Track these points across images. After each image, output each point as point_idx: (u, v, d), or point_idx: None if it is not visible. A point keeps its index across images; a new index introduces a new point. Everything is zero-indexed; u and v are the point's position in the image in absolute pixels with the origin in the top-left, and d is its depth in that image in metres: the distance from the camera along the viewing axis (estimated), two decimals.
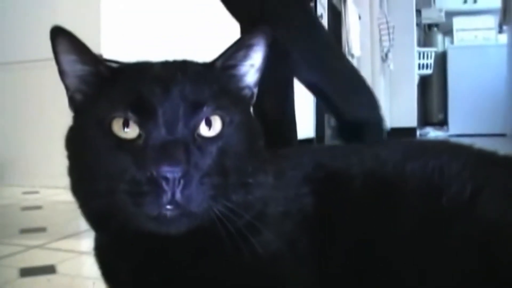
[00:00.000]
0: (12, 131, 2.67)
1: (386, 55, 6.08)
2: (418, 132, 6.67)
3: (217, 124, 0.62)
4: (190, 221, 0.59)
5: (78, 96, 0.68)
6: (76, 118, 0.69)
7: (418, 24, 7.33)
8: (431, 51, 7.24)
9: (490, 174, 0.74)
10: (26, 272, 1.13)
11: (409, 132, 6.20)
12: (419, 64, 7.06)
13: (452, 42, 7.87)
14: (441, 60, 7.53)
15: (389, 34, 6.00)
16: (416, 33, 6.96)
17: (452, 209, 0.70)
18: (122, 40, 2.44)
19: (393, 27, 6.02)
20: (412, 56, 6.82)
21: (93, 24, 2.37)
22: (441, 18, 7.66)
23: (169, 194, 0.55)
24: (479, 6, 7.65)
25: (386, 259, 0.69)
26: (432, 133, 7.01)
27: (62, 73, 0.68)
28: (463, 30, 7.74)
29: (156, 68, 0.67)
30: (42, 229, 1.59)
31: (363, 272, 0.69)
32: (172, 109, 0.59)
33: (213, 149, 0.61)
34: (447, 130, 7.26)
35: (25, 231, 1.57)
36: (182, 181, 0.55)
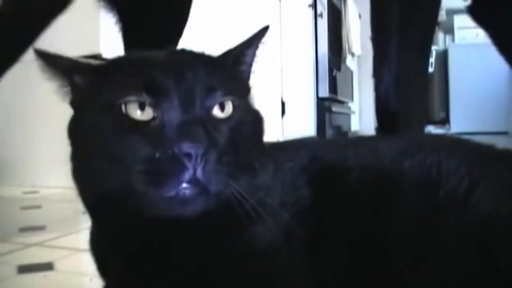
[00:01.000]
0: (12, 131, 2.67)
1: None
2: None
3: (229, 107, 0.63)
4: (206, 201, 0.59)
5: (76, 96, 0.68)
6: (77, 111, 0.68)
7: None
8: (432, 49, 7.22)
9: (487, 168, 0.73)
10: (24, 269, 1.13)
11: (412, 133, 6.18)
12: None
13: (453, 40, 7.85)
14: (442, 58, 7.51)
15: None
16: None
17: (448, 203, 0.70)
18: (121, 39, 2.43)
19: None
20: None
21: (92, 22, 2.37)
22: (442, 16, 7.63)
23: (191, 171, 0.55)
24: None
25: (381, 252, 0.69)
26: (434, 132, 7.00)
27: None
28: (464, 28, 7.72)
29: (164, 55, 0.68)
30: (41, 228, 1.58)
31: (358, 264, 0.69)
32: (187, 91, 0.60)
33: (226, 129, 0.62)
34: (449, 128, 7.25)
35: (24, 229, 1.57)
36: (203, 158, 0.56)
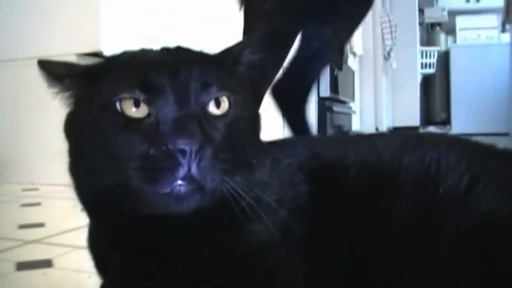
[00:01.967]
0: (11, 128, 2.67)
1: (389, 53, 6.07)
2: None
3: (225, 104, 0.63)
4: (201, 197, 0.58)
5: (71, 96, 0.68)
6: (74, 108, 0.68)
7: (420, 23, 7.32)
8: (434, 50, 7.22)
9: (487, 166, 0.73)
10: (23, 266, 1.13)
11: (411, 131, 6.20)
12: (421, 63, 7.04)
13: (455, 41, 7.86)
14: (444, 59, 7.51)
15: (391, 32, 5.99)
16: (418, 32, 6.95)
17: (448, 201, 0.69)
18: (121, 36, 2.43)
19: (396, 26, 6.01)
20: (415, 55, 6.81)
21: (92, 20, 2.37)
22: (444, 17, 7.65)
23: (185, 168, 0.55)
24: (481, 5, 7.64)
25: (379, 249, 0.69)
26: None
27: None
28: (466, 29, 7.73)
29: (158, 53, 0.68)
30: (40, 225, 1.58)
31: (357, 261, 0.69)
32: (181, 87, 0.60)
33: (222, 126, 0.61)
34: (450, 129, 7.25)
35: (23, 226, 1.57)
36: (198, 155, 0.55)
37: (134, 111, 0.59)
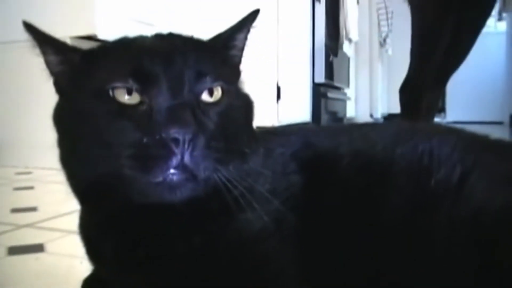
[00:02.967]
0: (5, 112, 2.65)
1: (385, 40, 6.06)
2: None
3: (218, 92, 0.63)
4: (194, 186, 0.58)
5: (62, 80, 0.68)
6: (64, 96, 0.68)
7: None
8: None
9: (480, 157, 0.73)
10: (14, 250, 1.13)
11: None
12: None
13: None
14: None
15: (387, 19, 5.97)
16: None
17: (440, 192, 0.69)
18: (117, 19, 2.41)
19: (392, 12, 5.99)
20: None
21: (88, 2, 2.34)
22: None
23: (178, 157, 0.55)
24: None
25: (372, 239, 0.69)
26: None
27: (44, 61, 0.68)
28: None
29: (152, 40, 0.67)
30: (33, 209, 1.58)
31: (349, 251, 0.69)
32: (176, 76, 0.59)
33: (214, 114, 0.61)
34: (445, 117, 7.26)
35: (16, 210, 1.57)
36: (191, 144, 0.55)
37: (126, 98, 0.59)
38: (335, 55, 4.77)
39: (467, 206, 0.67)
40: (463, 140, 0.79)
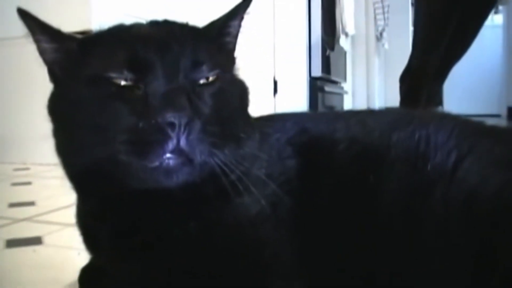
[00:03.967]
0: (3, 109, 2.65)
1: (381, 34, 6.05)
2: None
3: (213, 78, 0.63)
4: (190, 171, 0.59)
5: (57, 68, 0.67)
6: (58, 85, 0.68)
7: (413, 4, 7.28)
8: None
9: (475, 143, 0.73)
10: (12, 243, 1.13)
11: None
12: None
13: None
14: None
15: (384, 13, 5.96)
16: (411, 12, 6.91)
17: (436, 176, 0.69)
18: (113, 14, 2.41)
19: (388, 6, 5.98)
20: (407, 36, 6.74)
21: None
22: None
23: (174, 141, 0.55)
24: None
25: (367, 223, 0.69)
26: None
27: (38, 49, 0.68)
28: None
29: (148, 27, 0.67)
30: (30, 203, 1.58)
31: (344, 235, 0.69)
32: (171, 63, 0.60)
33: (209, 96, 0.61)
34: (442, 109, 7.26)
35: (14, 205, 1.57)
36: (187, 128, 0.55)
37: (122, 82, 0.59)
38: (332, 49, 4.76)
39: (461, 188, 0.67)
40: (459, 126, 0.79)
